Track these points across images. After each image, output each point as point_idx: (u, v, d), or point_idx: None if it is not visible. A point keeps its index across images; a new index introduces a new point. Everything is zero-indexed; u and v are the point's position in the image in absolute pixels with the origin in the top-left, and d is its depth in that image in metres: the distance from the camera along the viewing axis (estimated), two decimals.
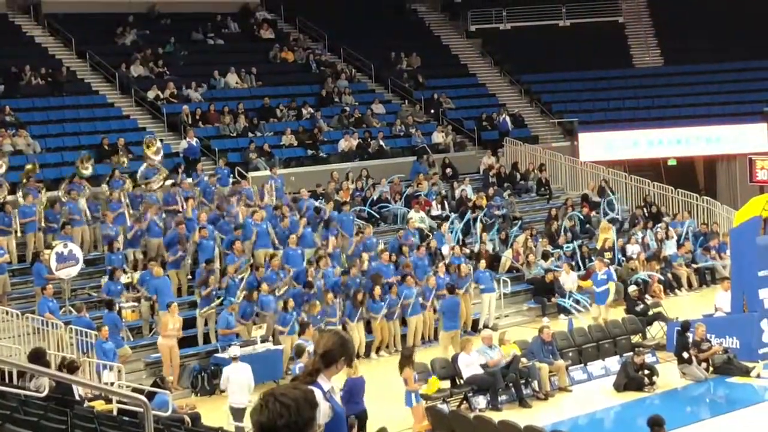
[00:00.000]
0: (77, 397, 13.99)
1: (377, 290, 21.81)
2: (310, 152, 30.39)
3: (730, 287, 21.56)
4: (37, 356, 13.99)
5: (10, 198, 23.02)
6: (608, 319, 22.29)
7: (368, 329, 22.07)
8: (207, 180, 25.85)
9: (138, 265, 22.35)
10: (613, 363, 19.86)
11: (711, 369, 19.63)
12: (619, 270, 25.91)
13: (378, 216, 27.81)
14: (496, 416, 16.16)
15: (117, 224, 22.95)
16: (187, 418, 15.05)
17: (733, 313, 21.09)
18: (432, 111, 34.82)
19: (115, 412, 14.48)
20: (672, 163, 35.54)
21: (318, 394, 4.97)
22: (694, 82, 37.97)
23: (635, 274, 25.68)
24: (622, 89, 37.85)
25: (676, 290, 26.91)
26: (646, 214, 29.87)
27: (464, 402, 18.03)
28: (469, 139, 34.32)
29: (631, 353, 19.72)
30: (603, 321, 22.22)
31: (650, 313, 22.74)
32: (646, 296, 24.20)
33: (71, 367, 15.34)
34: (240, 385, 16.32)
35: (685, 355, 19.33)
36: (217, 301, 21.08)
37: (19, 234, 22.37)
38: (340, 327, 20.49)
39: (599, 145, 34.78)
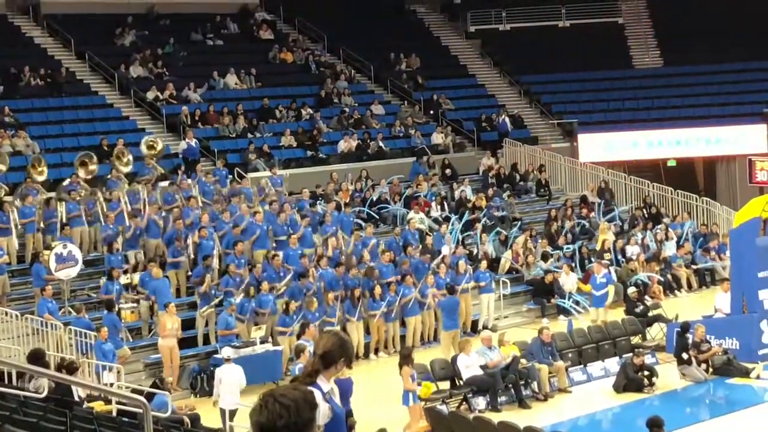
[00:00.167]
0: (76, 398, 13.97)
1: (377, 289, 21.85)
2: (309, 153, 30.39)
3: (730, 288, 21.55)
4: (36, 357, 13.97)
5: (7, 198, 23.00)
6: (607, 321, 22.29)
7: (367, 331, 22.09)
8: (204, 179, 25.84)
9: (138, 267, 22.32)
10: (613, 364, 19.85)
11: (711, 370, 19.62)
12: (618, 271, 25.91)
13: (377, 217, 27.80)
14: (495, 417, 16.15)
15: (117, 224, 22.94)
16: (187, 419, 15.04)
17: (732, 314, 21.08)
18: (431, 112, 34.81)
19: (114, 413, 14.46)
20: (672, 164, 35.53)
21: (318, 395, 4.96)
22: (694, 83, 37.97)
23: (635, 275, 25.67)
24: (622, 90, 37.85)
25: (676, 291, 26.91)
26: (646, 215, 29.87)
27: (464, 403, 18.03)
28: (468, 140, 34.31)
29: (631, 354, 19.71)
30: (602, 323, 22.20)
31: (650, 314, 22.75)
32: (646, 297, 24.19)
33: (70, 368, 15.32)
34: (231, 387, 16.41)
35: (685, 356, 19.32)
36: (216, 300, 21.10)
37: (19, 227, 22.29)
38: (339, 328, 20.50)
39: (599, 146, 34.78)
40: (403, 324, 22.44)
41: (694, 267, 27.71)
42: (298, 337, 19.13)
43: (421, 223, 26.59)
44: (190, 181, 25.85)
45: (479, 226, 27.11)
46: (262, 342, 19.98)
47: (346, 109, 33.04)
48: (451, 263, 23.63)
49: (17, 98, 28.95)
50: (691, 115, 36.28)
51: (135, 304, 21.09)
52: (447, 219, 27.35)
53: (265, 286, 21.18)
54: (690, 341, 19.58)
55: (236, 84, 33.06)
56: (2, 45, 30.88)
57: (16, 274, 21.95)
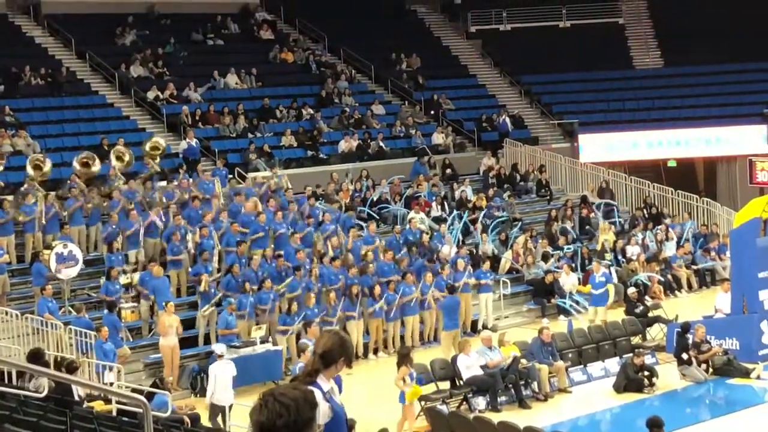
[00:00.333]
0: (76, 398, 13.97)
1: (377, 289, 21.86)
2: (310, 153, 30.39)
3: (730, 288, 21.56)
4: (36, 356, 13.98)
5: (8, 198, 23.01)
6: (607, 321, 22.29)
7: (367, 331, 22.09)
8: (203, 178, 25.83)
9: (139, 267, 22.30)
10: (613, 364, 19.84)
11: (711, 370, 19.62)
12: (619, 271, 25.91)
13: (378, 217, 27.79)
14: (495, 417, 16.15)
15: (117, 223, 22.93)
16: (187, 419, 15.03)
17: (733, 314, 21.08)
18: (432, 112, 34.80)
19: (114, 413, 14.46)
20: (672, 164, 35.52)
21: (318, 395, 4.96)
22: (694, 83, 37.97)
23: (635, 275, 25.68)
24: (622, 90, 37.81)
25: (676, 291, 26.91)
26: (646, 216, 29.87)
27: (464, 403, 18.03)
28: (469, 140, 34.31)
29: (631, 354, 19.70)
30: (602, 322, 22.20)
31: (650, 314, 22.75)
32: (646, 298, 24.20)
33: (70, 367, 15.32)
34: (224, 383, 16.57)
35: (685, 356, 19.32)
36: (216, 299, 21.10)
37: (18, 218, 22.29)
38: (338, 328, 20.50)
39: (599, 147, 34.77)
40: (403, 324, 22.44)
41: (694, 267, 27.71)
42: (299, 337, 19.16)
43: (422, 223, 26.59)
44: (191, 180, 25.85)
45: (479, 226, 27.12)
46: (262, 342, 19.98)
47: (347, 109, 33.04)
48: (451, 262, 23.63)
49: (18, 98, 28.96)
50: (691, 116, 36.27)
51: (135, 304, 21.08)
52: (444, 220, 27.32)
53: (268, 284, 21.14)
54: (690, 341, 19.58)
55: (237, 84, 33.06)
56: (3, 45, 30.87)
57: (17, 273, 21.94)
